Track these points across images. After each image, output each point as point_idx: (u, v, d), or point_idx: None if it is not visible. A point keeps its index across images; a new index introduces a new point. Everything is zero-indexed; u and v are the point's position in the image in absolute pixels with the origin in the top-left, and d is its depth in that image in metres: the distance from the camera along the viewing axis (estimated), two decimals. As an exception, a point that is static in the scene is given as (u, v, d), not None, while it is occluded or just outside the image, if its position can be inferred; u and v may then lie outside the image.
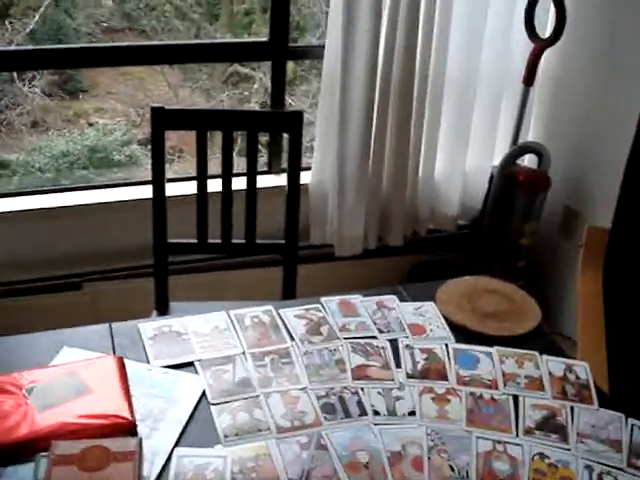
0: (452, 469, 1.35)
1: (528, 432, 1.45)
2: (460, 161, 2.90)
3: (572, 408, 1.51)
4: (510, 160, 2.81)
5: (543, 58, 2.76)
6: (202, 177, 2.09)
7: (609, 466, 1.38)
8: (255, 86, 4.10)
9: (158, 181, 2.07)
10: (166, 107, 2.03)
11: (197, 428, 1.40)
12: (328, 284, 2.35)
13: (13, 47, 2.74)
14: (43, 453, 1.23)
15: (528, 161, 2.95)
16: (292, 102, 3.71)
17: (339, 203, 2.77)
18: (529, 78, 2.79)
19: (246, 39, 3.05)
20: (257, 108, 3.98)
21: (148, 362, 1.54)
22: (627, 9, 2.60)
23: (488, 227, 2.90)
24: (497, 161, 2.88)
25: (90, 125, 3.99)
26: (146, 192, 2.57)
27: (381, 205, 2.88)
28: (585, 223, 2.64)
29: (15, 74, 3.58)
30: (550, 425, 1.47)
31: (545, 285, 2.96)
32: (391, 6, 2.54)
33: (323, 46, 2.63)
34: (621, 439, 1.45)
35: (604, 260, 2.36)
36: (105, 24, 3.77)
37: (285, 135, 2.17)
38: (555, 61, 2.88)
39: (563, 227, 2.98)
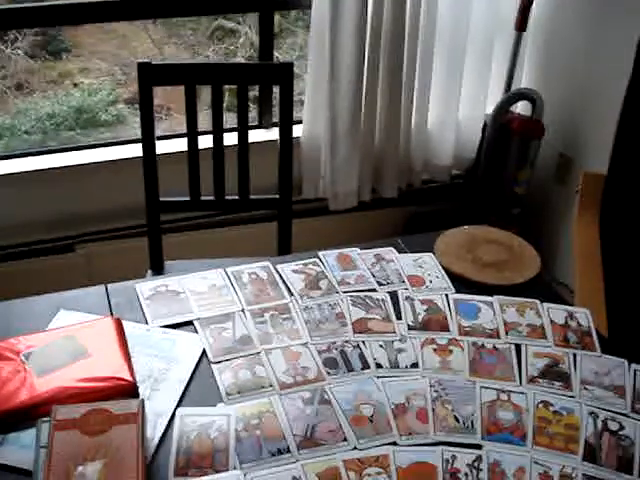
0: (457, 419, 1.34)
1: (531, 380, 1.44)
2: (453, 110, 2.86)
3: (574, 355, 1.51)
4: (503, 108, 2.78)
5: (535, 2, 2.71)
6: (192, 133, 2.05)
7: (613, 412, 1.38)
8: (241, 40, 4.03)
9: (148, 139, 2.03)
10: (153, 62, 1.98)
11: (199, 387, 1.39)
12: (323, 238, 2.33)
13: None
14: (44, 418, 1.21)
15: (522, 109, 2.91)
16: (278, 55, 3.64)
17: (332, 156, 2.73)
18: (521, 23, 2.74)
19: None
20: (243, 61, 3.92)
21: (146, 322, 1.52)
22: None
23: (482, 176, 2.88)
24: (490, 109, 2.85)
25: (75, 85, 3.91)
26: (136, 150, 2.55)
27: (374, 157, 2.84)
28: (579, 170, 2.62)
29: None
30: (553, 373, 1.47)
31: (540, 232, 2.95)
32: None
33: (311, -5, 2.57)
34: (624, 384, 1.45)
35: (600, 205, 2.35)
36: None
37: (274, 89, 2.13)
38: (547, 5, 2.83)
39: (557, 174, 2.96)
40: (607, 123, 2.37)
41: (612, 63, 2.57)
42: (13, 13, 2.48)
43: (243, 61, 3.94)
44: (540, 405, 1.39)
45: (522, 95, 2.81)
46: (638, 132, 2.26)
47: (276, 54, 2.87)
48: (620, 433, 1.34)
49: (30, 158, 2.62)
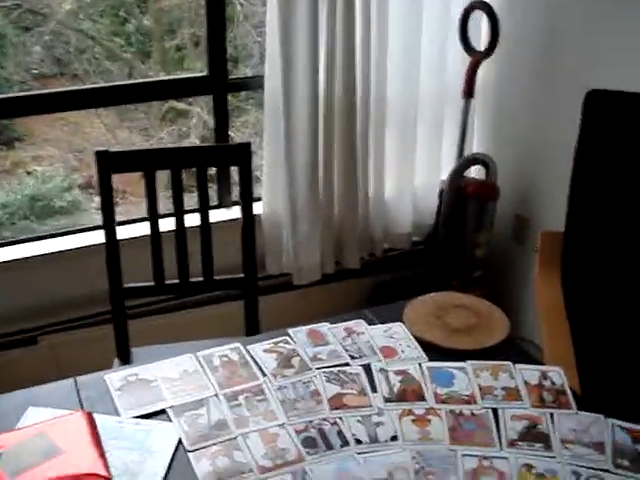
0: (441, 491, 1.33)
1: (512, 444, 1.43)
2: (409, 178, 2.92)
3: (552, 415, 1.51)
4: (458, 173, 2.84)
5: (481, 70, 2.80)
6: (153, 218, 2.05)
7: (595, 469, 1.38)
8: (193, 121, 4.08)
9: (109, 225, 2.02)
10: (111, 150, 1.98)
11: (177, 478, 1.35)
12: (290, 313, 2.32)
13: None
14: (19, 523, 1.17)
15: (476, 173, 2.97)
16: (232, 134, 3.69)
17: (293, 232, 2.75)
18: (468, 90, 2.82)
19: (186, 75, 3.02)
20: (198, 143, 3.95)
21: (118, 414, 1.49)
22: (562, 14, 2.65)
23: (442, 241, 2.91)
24: (445, 175, 2.90)
25: (28, 174, 3.90)
26: (95, 238, 2.53)
27: (335, 230, 2.87)
28: (536, 230, 2.67)
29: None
30: (533, 434, 1.46)
31: (503, 293, 2.98)
32: (327, 32, 2.55)
33: (262, 76, 2.62)
34: (604, 440, 1.45)
35: (560, 263, 2.39)
36: (36, 71, 3.70)
37: (233, 168, 2.15)
38: (493, 72, 2.92)
39: (515, 235, 3.01)
40: (560, 182, 2.42)
41: (560, 122, 2.65)
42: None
43: (197, 142, 3.98)
44: (523, 469, 1.38)
45: (475, 160, 2.88)
46: (591, 188, 2.31)
47: (229, 132, 2.91)
48: (604, 490, 1.34)
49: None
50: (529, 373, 1.62)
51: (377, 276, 3.08)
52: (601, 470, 1.38)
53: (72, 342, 2.59)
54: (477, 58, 2.77)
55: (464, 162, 2.86)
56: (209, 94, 2.73)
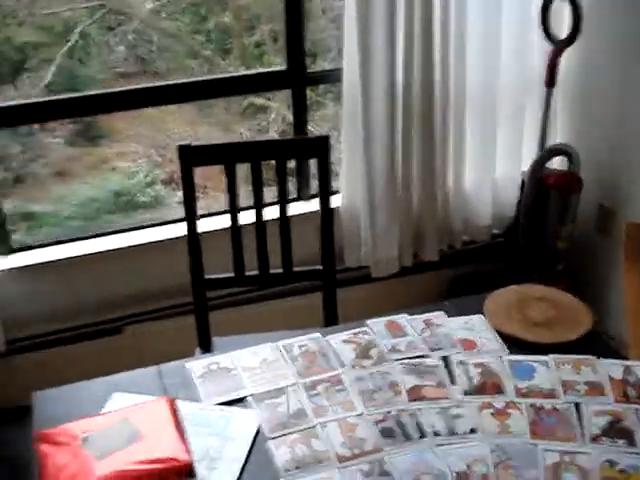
0: (521, 484, 1.31)
1: (594, 439, 1.41)
2: (489, 170, 2.87)
3: (636, 410, 1.47)
4: (539, 164, 2.78)
5: (563, 58, 2.74)
6: (234, 210, 2.08)
7: (681, 467, 1.34)
8: (272, 116, 4.11)
9: (191, 218, 2.06)
10: (192, 144, 2.02)
11: (256, 464, 1.37)
12: (368, 306, 2.32)
13: (31, 100, 2.74)
14: (106, 503, 1.21)
15: (558, 164, 2.91)
16: (310, 128, 3.71)
17: (371, 224, 2.75)
18: (550, 80, 2.76)
19: (265, 69, 3.05)
20: (277, 137, 3.98)
21: (200, 401, 1.52)
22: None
23: (523, 234, 2.86)
24: (526, 167, 2.85)
25: (113, 170, 4.01)
26: (177, 230, 2.58)
27: (413, 222, 2.85)
28: (621, 221, 2.59)
29: (37, 126, 3.61)
30: (616, 430, 1.43)
31: (586, 286, 2.91)
32: (406, 22, 2.53)
33: (340, 69, 2.62)
34: (690, 438, 1.41)
35: (647, 256, 2.32)
36: (119, 69, 3.79)
37: (311, 160, 2.16)
38: (575, 60, 2.85)
39: (599, 227, 2.93)
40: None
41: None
42: (51, 106, 2.57)
43: (276, 136, 4.01)
44: (605, 464, 1.35)
45: (557, 150, 2.82)
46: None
47: (308, 127, 2.93)
48: (690, 488, 1.30)
49: (73, 244, 2.67)
50: (613, 368, 1.59)
51: (456, 269, 3.05)
52: (687, 467, 1.34)
53: (155, 332, 2.66)
54: (559, 46, 2.71)
55: (546, 153, 2.81)
56: (288, 88, 2.74)
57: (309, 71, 2.73)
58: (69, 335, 2.62)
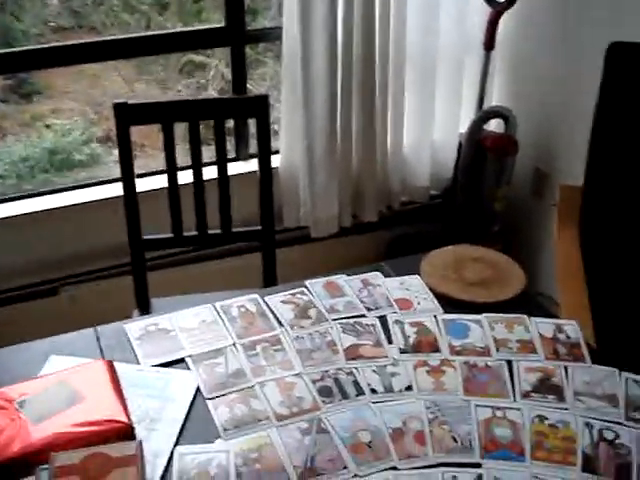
0: (455, 440, 1.35)
1: (525, 395, 1.45)
2: (428, 131, 2.90)
3: (565, 367, 1.52)
4: (477, 126, 2.81)
5: (502, 21, 2.76)
6: (172, 170, 2.06)
7: (608, 421, 1.39)
8: (211, 73, 4.05)
9: (128, 178, 2.03)
10: (129, 102, 1.98)
11: (195, 424, 1.38)
12: (307, 266, 2.34)
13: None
14: (43, 466, 1.20)
15: (495, 126, 2.95)
16: (250, 86, 3.68)
17: (310, 183, 2.75)
18: (489, 43, 2.78)
19: (203, 26, 2.99)
20: (216, 95, 3.93)
21: (138, 363, 1.52)
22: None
23: (460, 195, 2.90)
24: (464, 128, 2.88)
25: (47, 127, 3.91)
26: (114, 190, 2.54)
27: (353, 182, 2.86)
28: (555, 184, 2.65)
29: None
30: (546, 386, 1.48)
31: (521, 247, 2.97)
32: (346, -19, 2.52)
33: (280, 27, 2.59)
34: (617, 393, 1.46)
35: (579, 217, 2.37)
36: (53, 23, 3.68)
37: (250, 120, 2.14)
38: (513, 23, 2.87)
39: (534, 189, 2.99)
40: (580, 135, 2.40)
41: (582, 76, 2.62)
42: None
43: (215, 94, 3.96)
44: (536, 420, 1.40)
45: (494, 113, 2.85)
46: (611, 142, 2.29)
47: (248, 85, 2.90)
48: (616, 442, 1.35)
49: (9, 203, 2.61)
50: (544, 326, 1.63)
51: (394, 229, 3.08)
52: (614, 422, 1.39)
53: (92, 293, 2.63)
54: (498, 9, 2.73)
55: (483, 115, 2.84)
56: (227, 46, 2.71)
57: (249, 28, 2.70)
58: (3, 297, 2.58)
